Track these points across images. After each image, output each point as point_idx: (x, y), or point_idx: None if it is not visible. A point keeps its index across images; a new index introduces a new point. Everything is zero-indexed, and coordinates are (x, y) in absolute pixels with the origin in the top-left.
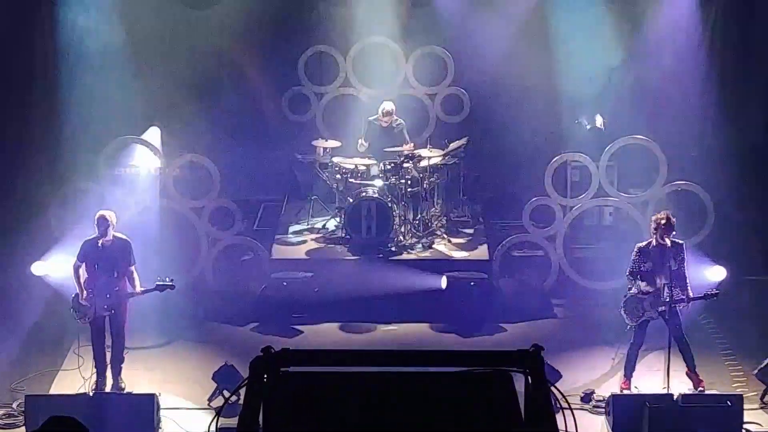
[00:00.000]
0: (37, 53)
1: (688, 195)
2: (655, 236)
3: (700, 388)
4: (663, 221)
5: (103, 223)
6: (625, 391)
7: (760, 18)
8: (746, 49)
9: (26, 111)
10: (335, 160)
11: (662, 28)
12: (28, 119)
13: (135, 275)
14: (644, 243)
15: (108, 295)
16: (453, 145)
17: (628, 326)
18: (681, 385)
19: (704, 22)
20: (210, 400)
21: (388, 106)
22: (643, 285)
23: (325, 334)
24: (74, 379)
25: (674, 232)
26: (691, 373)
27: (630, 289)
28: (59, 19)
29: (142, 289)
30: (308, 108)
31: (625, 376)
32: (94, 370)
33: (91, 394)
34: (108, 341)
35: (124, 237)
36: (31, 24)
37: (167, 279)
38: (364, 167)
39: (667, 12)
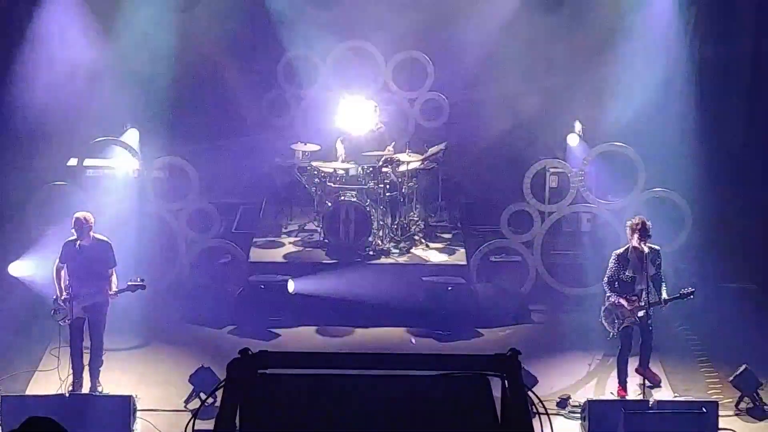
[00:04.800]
0: (15, 54)
1: (666, 202)
2: (631, 242)
3: (656, 380)
4: (638, 226)
5: (80, 225)
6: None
7: (740, 25)
8: (726, 57)
9: (3, 111)
10: (314, 163)
11: (642, 34)
12: (5, 119)
13: (114, 277)
14: (621, 249)
15: (87, 297)
16: (432, 150)
17: (610, 335)
18: (656, 392)
19: (684, 29)
20: (186, 402)
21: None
22: (619, 300)
23: (303, 337)
24: (51, 380)
25: (650, 237)
26: (643, 370)
27: (608, 297)
28: (39, 20)
29: (116, 290)
30: (288, 111)
31: (619, 383)
32: (71, 371)
33: (67, 395)
34: (86, 342)
35: (104, 238)
36: (10, 24)
37: (138, 279)
38: (343, 171)
39: (648, 19)
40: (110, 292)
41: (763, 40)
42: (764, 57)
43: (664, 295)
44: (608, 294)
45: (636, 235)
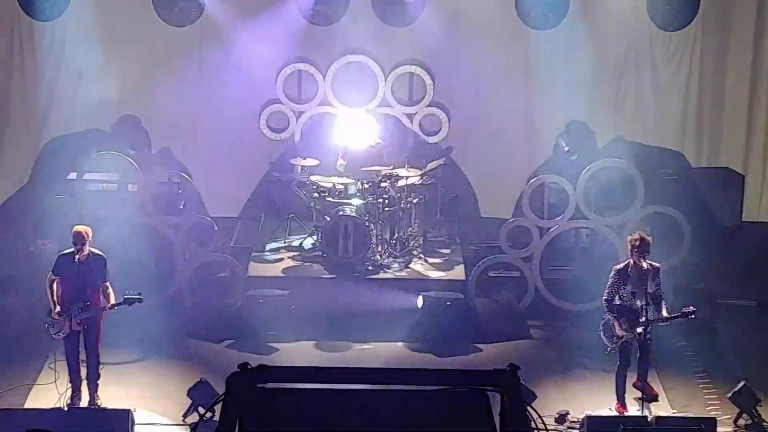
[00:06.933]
0: (15, 66)
1: (665, 218)
2: (631, 258)
3: (653, 393)
4: (637, 242)
5: (79, 239)
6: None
7: (738, 38)
8: (725, 71)
9: (4, 124)
10: (313, 178)
11: (641, 51)
12: (5, 132)
13: (110, 290)
14: (622, 265)
15: (81, 310)
16: (431, 165)
17: (608, 349)
18: (655, 407)
19: (683, 43)
20: (185, 416)
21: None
22: (613, 322)
23: (301, 352)
24: (49, 393)
25: (648, 253)
26: (641, 384)
27: (608, 312)
28: (40, 33)
29: (112, 303)
30: (287, 126)
31: (617, 399)
32: (69, 384)
33: (65, 408)
34: (83, 356)
35: (99, 252)
36: (10, 39)
37: (135, 292)
38: (342, 186)
39: (647, 35)
40: (107, 306)
41: (760, 53)
42: (762, 71)
43: (665, 313)
44: (608, 310)
45: (635, 252)
